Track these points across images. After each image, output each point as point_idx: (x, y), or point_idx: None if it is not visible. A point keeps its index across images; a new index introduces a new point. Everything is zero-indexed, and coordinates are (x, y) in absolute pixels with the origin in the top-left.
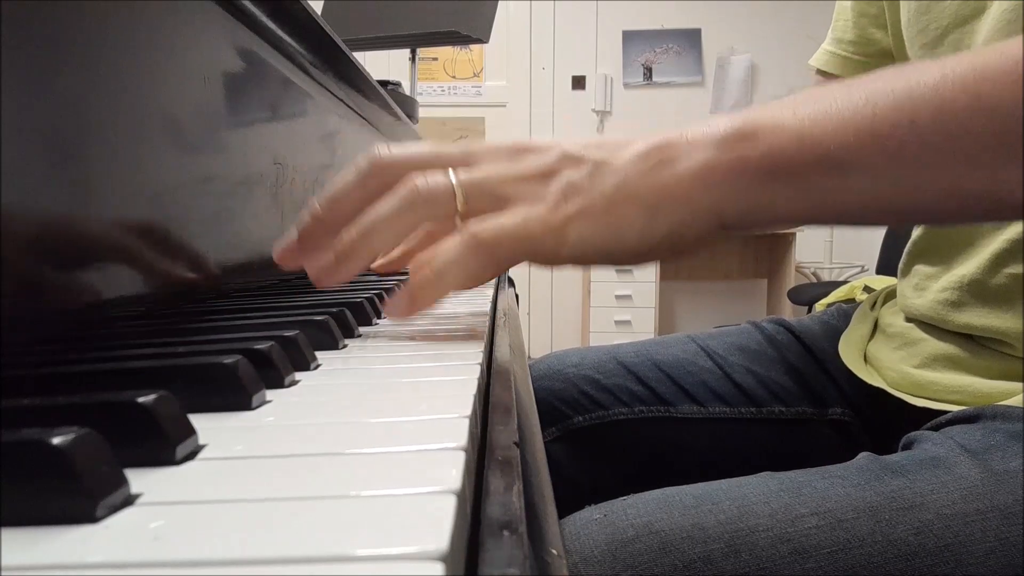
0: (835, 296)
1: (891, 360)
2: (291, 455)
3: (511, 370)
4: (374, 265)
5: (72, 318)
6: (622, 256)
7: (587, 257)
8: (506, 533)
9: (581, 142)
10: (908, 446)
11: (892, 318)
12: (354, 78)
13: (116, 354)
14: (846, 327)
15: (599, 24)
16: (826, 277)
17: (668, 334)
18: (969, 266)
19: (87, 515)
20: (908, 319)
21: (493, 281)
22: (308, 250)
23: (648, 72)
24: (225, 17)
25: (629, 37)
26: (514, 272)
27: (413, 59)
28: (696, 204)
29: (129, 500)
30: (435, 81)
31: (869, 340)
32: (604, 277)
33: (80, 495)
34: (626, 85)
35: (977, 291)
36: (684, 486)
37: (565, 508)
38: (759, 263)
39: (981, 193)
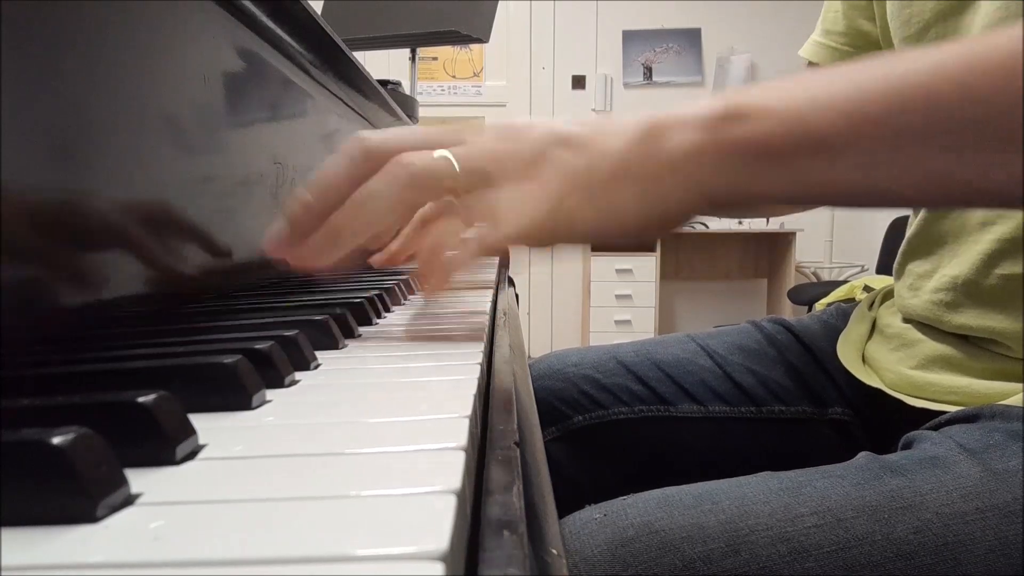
0: (835, 296)
1: (889, 361)
2: (291, 455)
3: (511, 370)
4: (373, 259)
5: (72, 318)
6: (616, 232)
7: (579, 235)
8: (506, 533)
9: (572, 122)
10: (907, 446)
11: (890, 318)
12: (354, 78)
13: (116, 354)
14: (846, 327)
15: (599, 24)
16: (826, 277)
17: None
18: (960, 266)
19: (87, 515)
20: (906, 320)
21: (493, 281)
22: (299, 238)
23: (648, 72)
24: (225, 17)
25: (629, 37)
26: (514, 272)
27: (413, 59)
28: (686, 183)
29: (129, 500)
30: (435, 81)
31: (867, 340)
32: (604, 277)
33: (80, 495)
34: (626, 85)
35: (971, 292)
36: (684, 486)
37: (565, 508)
38: (759, 263)
39: (968, 182)
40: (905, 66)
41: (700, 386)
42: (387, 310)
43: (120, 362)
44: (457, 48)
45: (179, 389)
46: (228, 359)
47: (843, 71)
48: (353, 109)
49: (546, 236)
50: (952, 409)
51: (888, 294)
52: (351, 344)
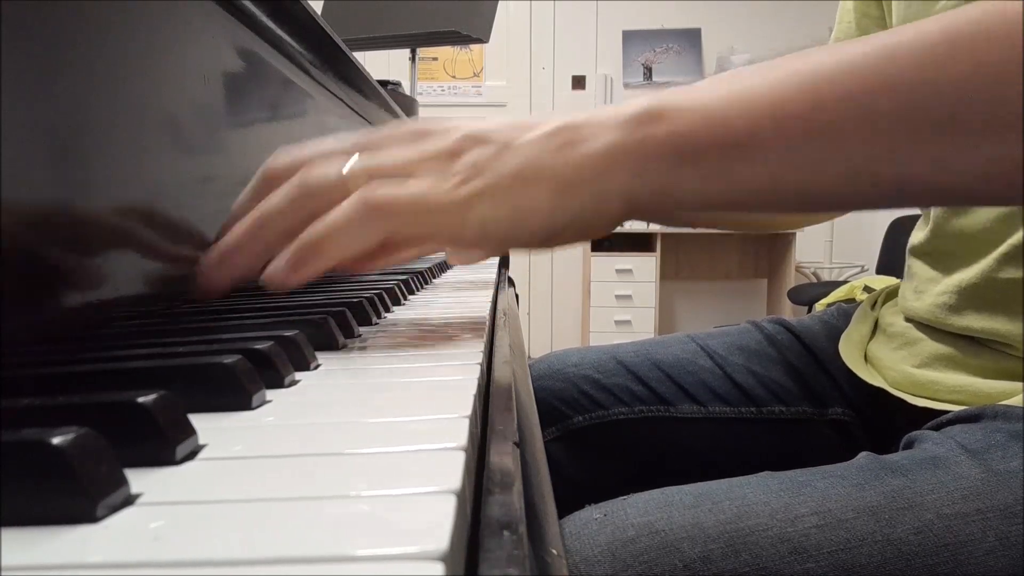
0: (835, 296)
1: (891, 360)
2: (291, 455)
3: (511, 370)
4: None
5: (72, 318)
6: (528, 238)
7: (491, 238)
8: (506, 533)
9: (487, 123)
10: (908, 446)
11: (892, 318)
12: (354, 78)
13: (116, 354)
14: (846, 327)
15: (599, 24)
16: (826, 277)
17: (668, 334)
18: (969, 272)
19: (87, 515)
20: (908, 319)
21: (493, 281)
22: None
23: (648, 72)
24: (225, 17)
25: (629, 37)
26: (514, 272)
27: (413, 59)
28: (602, 186)
29: (129, 500)
30: (435, 81)
31: (869, 340)
32: (604, 277)
33: (80, 495)
34: (626, 85)
35: (975, 296)
36: (684, 486)
37: (565, 508)
38: (759, 263)
39: (887, 176)
40: (824, 57)
41: (700, 386)
42: (387, 310)
43: (120, 362)
44: (457, 48)
45: (179, 389)
46: (228, 359)
47: (764, 67)
48: (353, 109)
49: (436, 216)
50: (954, 408)
51: (890, 294)
52: (351, 344)
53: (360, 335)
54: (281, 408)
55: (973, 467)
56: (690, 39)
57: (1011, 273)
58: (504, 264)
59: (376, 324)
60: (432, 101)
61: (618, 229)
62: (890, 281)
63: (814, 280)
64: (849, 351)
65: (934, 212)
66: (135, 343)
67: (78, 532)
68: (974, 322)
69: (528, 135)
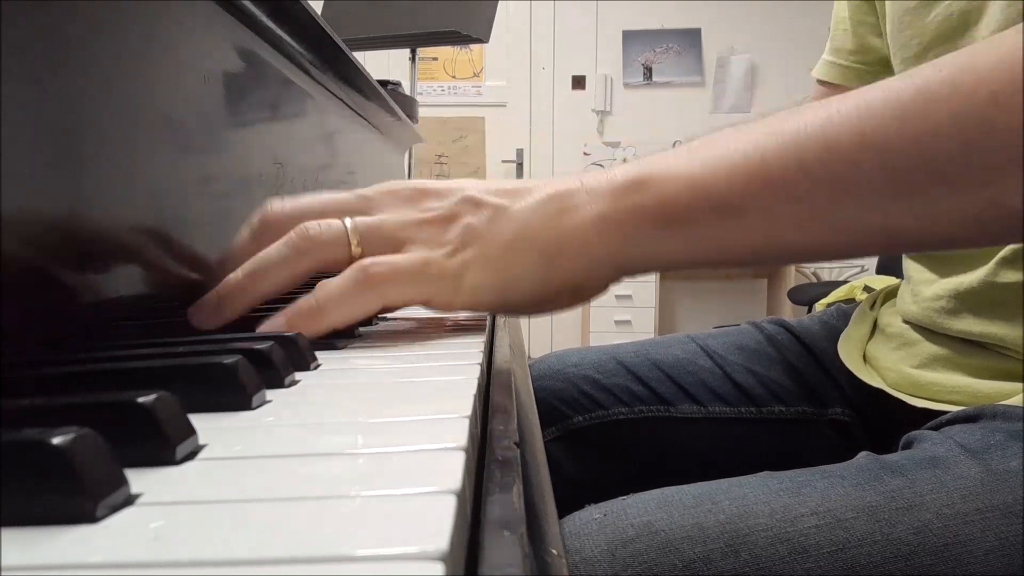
0: (835, 296)
1: (890, 360)
2: (291, 455)
3: (511, 370)
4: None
5: (72, 318)
6: (520, 304)
7: (483, 303)
8: (506, 533)
9: (484, 186)
10: (908, 446)
11: (891, 318)
12: (354, 78)
13: (116, 354)
14: (846, 327)
15: (599, 24)
16: (826, 277)
17: (668, 334)
18: (967, 277)
19: (87, 515)
20: (905, 320)
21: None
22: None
23: (648, 72)
24: (225, 17)
25: (629, 37)
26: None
27: (413, 59)
28: (593, 254)
29: (129, 500)
30: (435, 81)
31: (868, 340)
32: None
33: (80, 495)
34: (626, 85)
35: (972, 300)
36: (684, 486)
37: (565, 508)
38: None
39: (874, 229)
40: (803, 118)
41: (700, 386)
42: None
43: (120, 362)
44: (457, 48)
45: (179, 389)
46: (228, 359)
47: (745, 129)
48: (353, 109)
49: (430, 284)
50: (954, 409)
51: (890, 294)
52: (351, 344)
53: (360, 335)
54: (281, 408)
55: (973, 467)
56: (690, 39)
57: (1010, 277)
58: None
59: (376, 324)
60: (432, 101)
61: None
62: (890, 281)
63: (814, 280)
64: (848, 352)
65: None
66: (135, 343)
67: (78, 532)
68: (972, 326)
69: (523, 201)
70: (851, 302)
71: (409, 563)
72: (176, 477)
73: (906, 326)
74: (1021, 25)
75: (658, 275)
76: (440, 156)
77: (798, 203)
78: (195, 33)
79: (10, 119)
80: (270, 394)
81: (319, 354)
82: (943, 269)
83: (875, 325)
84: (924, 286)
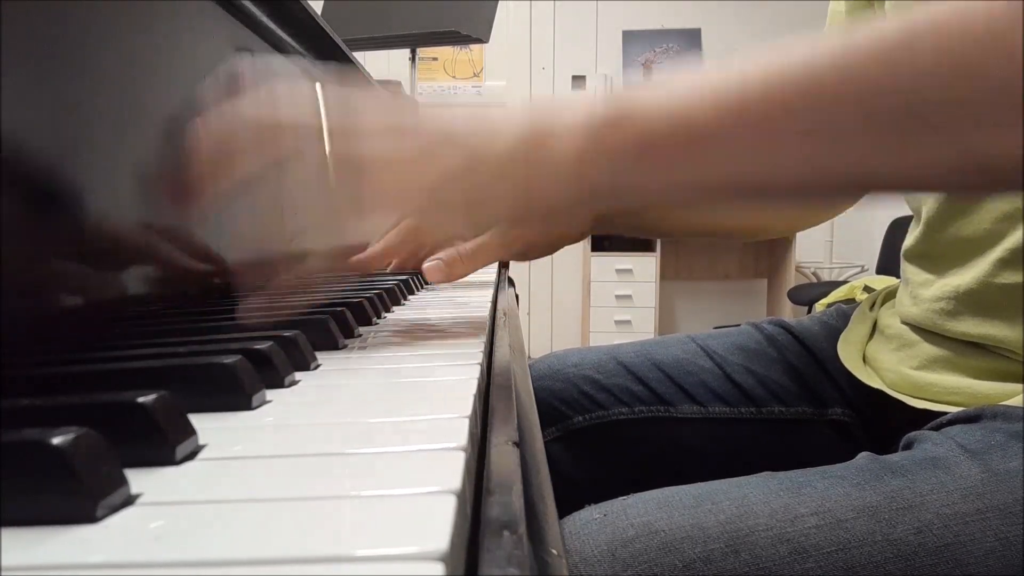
0: (835, 296)
1: (890, 361)
2: (291, 455)
3: (511, 370)
4: (353, 259)
5: (72, 318)
6: (487, 218)
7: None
8: (506, 533)
9: (463, 116)
10: (908, 446)
11: (890, 319)
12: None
13: (116, 354)
14: (846, 327)
15: (599, 24)
16: (826, 277)
17: (668, 334)
18: (962, 277)
19: (87, 515)
20: (904, 322)
21: (493, 281)
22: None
23: (648, 72)
24: (225, 17)
25: (629, 37)
26: (514, 272)
27: (413, 59)
28: (569, 188)
29: (129, 500)
30: (435, 81)
31: (868, 341)
32: (604, 277)
33: (80, 495)
34: (626, 85)
35: (971, 302)
36: (684, 486)
37: (565, 508)
38: (759, 263)
39: (850, 169)
40: (785, 55)
41: (700, 387)
42: (387, 310)
43: (120, 362)
44: (457, 48)
45: (179, 389)
46: (228, 359)
47: (728, 63)
48: None
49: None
50: (953, 409)
51: (889, 295)
52: (351, 344)
53: (360, 335)
54: (281, 408)
55: (973, 467)
56: (690, 39)
57: (1009, 278)
58: (504, 264)
59: (376, 324)
60: (432, 101)
61: None
62: (890, 281)
63: (814, 280)
64: (848, 352)
65: (925, 214)
66: (135, 343)
67: (78, 532)
68: (971, 327)
69: (496, 135)
70: (851, 302)
71: (409, 563)
72: (176, 477)
73: (905, 327)
74: None
75: (658, 276)
76: None
77: (775, 138)
78: (195, 33)
79: (10, 119)
80: (270, 394)
81: (319, 354)
82: (940, 269)
83: (875, 326)
84: (923, 288)
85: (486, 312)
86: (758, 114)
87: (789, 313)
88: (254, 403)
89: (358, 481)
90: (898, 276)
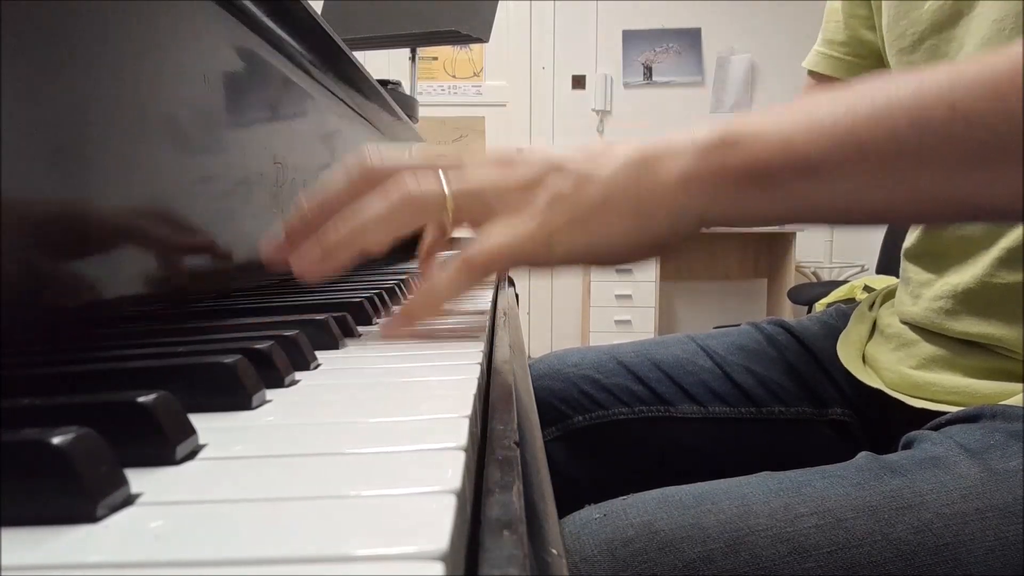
0: (835, 296)
1: (889, 361)
2: (291, 455)
3: (511, 370)
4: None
5: (72, 318)
6: (609, 259)
7: (575, 261)
8: (506, 533)
9: (567, 151)
10: (908, 446)
11: (890, 319)
12: (354, 78)
13: (116, 354)
14: (845, 327)
15: (599, 24)
16: (826, 277)
17: (668, 334)
18: (963, 275)
19: (87, 515)
20: (903, 321)
21: (493, 281)
22: (295, 247)
23: (648, 72)
24: (225, 17)
25: (629, 37)
26: (514, 272)
27: (413, 59)
28: (679, 210)
29: (129, 500)
30: (435, 81)
31: (867, 341)
32: (604, 277)
33: (80, 495)
34: (626, 85)
35: (971, 301)
36: (684, 486)
37: (565, 508)
38: (759, 263)
39: (958, 199)
40: (894, 87)
41: (700, 386)
42: (387, 310)
43: (120, 362)
44: (457, 48)
45: (179, 389)
46: (228, 359)
47: (834, 94)
48: (353, 109)
49: (526, 256)
50: (953, 409)
51: (889, 294)
52: (351, 344)
53: (360, 335)
54: (281, 408)
55: (972, 467)
56: (690, 39)
57: (1008, 277)
58: None
59: (376, 324)
60: (432, 101)
61: None
62: (890, 281)
63: (814, 280)
64: (847, 352)
65: None
66: (135, 343)
67: (78, 532)
68: (971, 327)
69: (607, 163)
70: (851, 302)
71: (409, 563)
72: (176, 477)
73: (904, 327)
74: None
75: (658, 276)
76: None
77: (885, 170)
78: (195, 33)
79: (10, 119)
80: (270, 394)
81: (319, 354)
82: (940, 268)
83: (874, 325)
84: (923, 287)
85: (486, 312)
86: (867, 145)
87: (789, 313)
88: (254, 403)
89: (358, 481)
90: (898, 276)
